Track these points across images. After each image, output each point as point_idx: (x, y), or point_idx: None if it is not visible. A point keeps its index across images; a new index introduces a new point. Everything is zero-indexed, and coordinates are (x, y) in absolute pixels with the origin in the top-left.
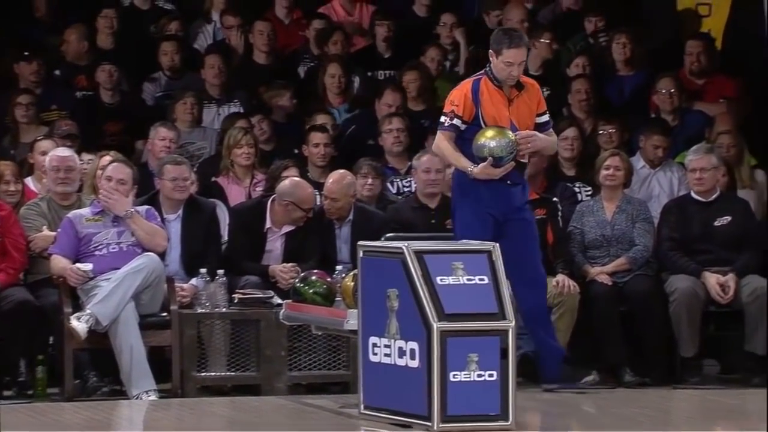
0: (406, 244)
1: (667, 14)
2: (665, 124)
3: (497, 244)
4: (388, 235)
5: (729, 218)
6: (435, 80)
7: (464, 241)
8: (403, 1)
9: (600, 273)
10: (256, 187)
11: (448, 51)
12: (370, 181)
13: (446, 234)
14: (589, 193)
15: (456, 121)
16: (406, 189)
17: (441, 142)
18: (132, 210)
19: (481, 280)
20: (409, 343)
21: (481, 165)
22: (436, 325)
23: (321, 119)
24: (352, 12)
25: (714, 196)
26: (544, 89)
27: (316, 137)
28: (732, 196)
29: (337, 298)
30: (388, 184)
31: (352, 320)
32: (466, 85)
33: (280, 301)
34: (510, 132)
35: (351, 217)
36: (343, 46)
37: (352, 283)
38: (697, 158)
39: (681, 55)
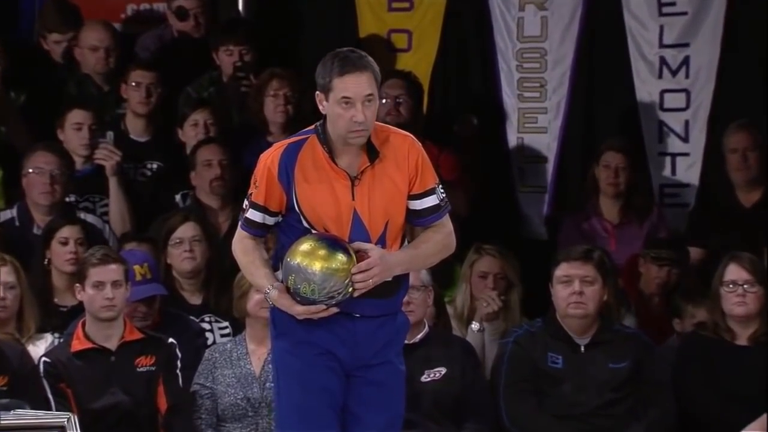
0: None
1: (347, 43)
2: None
3: (72, 416)
4: None
5: (443, 370)
6: None
7: (33, 412)
8: None
9: None
10: None
11: None
12: None
13: None
14: (226, 331)
15: (253, 214)
16: None
17: (236, 242)
18: None
19: None
20: None
21: (280, 290)
22: None
23: None
24: None
25: (420, 335)
26: (150, 163)
27: None
28: (446, 335)
29: None
30: None
31: None
32: (275, 150)
33: None
34: (340, 258)
35: None
36: None
37: None
38: None
39: None
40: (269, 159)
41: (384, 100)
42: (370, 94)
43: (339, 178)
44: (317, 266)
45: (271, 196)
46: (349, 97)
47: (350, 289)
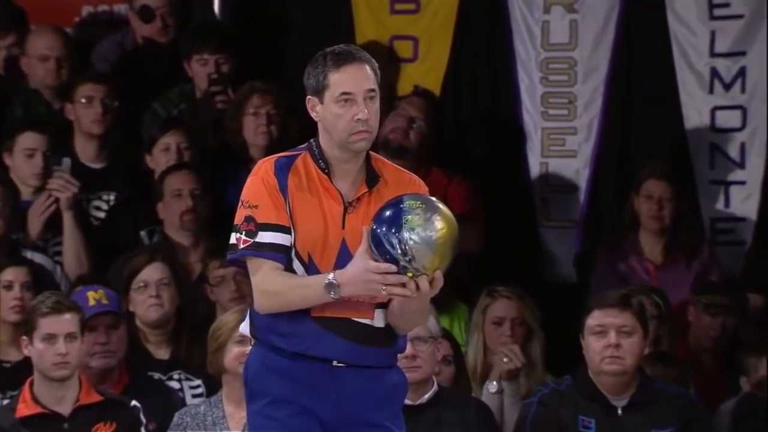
0: None
1: None
2: None
3: None
4: None
5: None
6: None
7: None
8: None
9: None
10: None
11: None
12: None
13: None
14: (199, 391)
15: (273, 236)
16: None
17: (265, 281)
18: None
19: None
20: None
21: (363, 250)
22: None
23: None
24: None
25: (428, 396)
26: (106, 194)
27: None
28: (459, 396)
29: None
30: None
31: None
32: (266, 163)
33: None
34: (447, 250)
35: None
36: None
37: None
38: None
39: None
40: (262, 171)
41: (399, 115)
42: (372, 89)
43: (332, 201)
44: (438, 226)
45: (280, 210)
46: (349, 92)
47: (410, 274)
